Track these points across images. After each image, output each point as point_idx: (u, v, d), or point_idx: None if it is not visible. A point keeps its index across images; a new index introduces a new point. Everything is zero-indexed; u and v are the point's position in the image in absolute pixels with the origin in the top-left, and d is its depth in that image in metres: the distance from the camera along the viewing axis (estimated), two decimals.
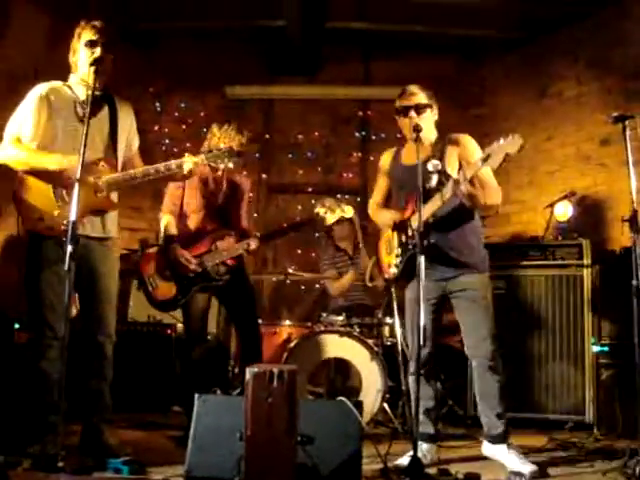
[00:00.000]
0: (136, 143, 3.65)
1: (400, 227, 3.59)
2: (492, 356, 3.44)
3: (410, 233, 3.48)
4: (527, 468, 3.23)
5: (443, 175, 3.42)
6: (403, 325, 4.20)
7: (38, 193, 3.22)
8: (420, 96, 3.57)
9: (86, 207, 3.22)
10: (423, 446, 3.47)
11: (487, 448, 3.48)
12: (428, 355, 3.49)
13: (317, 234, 5.98)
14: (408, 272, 3.49)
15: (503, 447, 3.39)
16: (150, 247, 4.34)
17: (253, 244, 4.15)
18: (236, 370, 4.91)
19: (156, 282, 4.07)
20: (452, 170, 3.50)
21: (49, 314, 3.15)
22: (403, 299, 3.81)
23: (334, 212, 4.19)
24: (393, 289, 4.58)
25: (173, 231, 4.14)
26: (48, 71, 3.59)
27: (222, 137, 4.13)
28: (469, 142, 3.59)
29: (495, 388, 3.45)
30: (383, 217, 3.78)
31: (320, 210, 4.18)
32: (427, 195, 3.34)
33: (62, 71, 3.46)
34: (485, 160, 3.16)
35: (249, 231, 4.34)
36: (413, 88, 3.60)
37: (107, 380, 3.36)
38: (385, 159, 3.82)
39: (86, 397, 3.32)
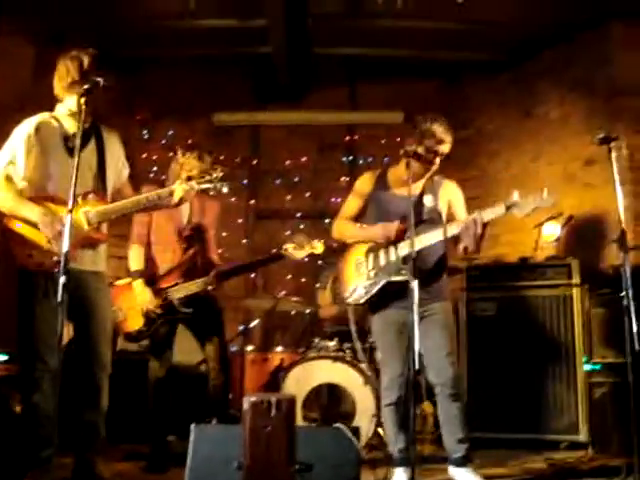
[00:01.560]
0: (125, 172, 3.65)
1: (376, 250, 3.56)
2: (453, 383, 3.46)
3: (394, 258, 3.46)
4: None
5: (435, 213, 3.52)
6: None
7: (27, 229, 3.21)
8: (449, 141, 3.53)
9: (77, 241, 3.22)
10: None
11: (450, 470, 3.50)
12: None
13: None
14: (377, 298, 3.51)
15: (462, 470, 3.43)
16: (119, 279, 4.39)
17: (210, 287, 4.18)
18: (229, 397, 4.87)
19: (124, 314, 4.15)
20: (442, 210, 3.57)
21: (41, 346, 3.12)
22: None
23: (303, 248, 4.22)
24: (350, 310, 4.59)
25: (139, 265, 4.21)
26: (34, 102, 3.59)
27: (184, 165, 4.15)
28: (458, 192, 3.69)
29: (456, 415, 3.48)
30: (361, 230, 3.66)
31: (289, 247, 4.22)
32: (419, 227, 3.35)
33: (48, 101, 3.45)
34: (509, 208, 3.20)
35: (215, 262, 4.37)
36: (449, 133, 3.51)
37: (102, 412, 3.33)
38: (366, 182, 3.74)
39: (79, 429, 3.29)
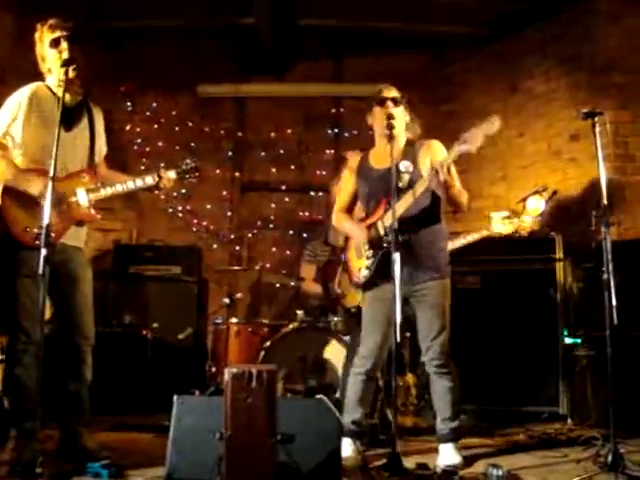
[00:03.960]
0: (104, 150, 3.64)
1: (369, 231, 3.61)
2: (442, 363, 3.49)
3: (382, 232, 3.49)
4: (455, 459, 3.33)
5: (414, 176, 3.49)
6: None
7: (24, 203, 3.18)
8: (395, 92, 3.63)
9: (72, 220, 3.28)
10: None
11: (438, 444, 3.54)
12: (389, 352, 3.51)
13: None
14: (379, 274, 3.52)
15: (446, 446, 3.45)
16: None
17: None
18: (213, 370, 4.91)
19: (344, 289, 4.24)
20: (423, 170, 3.53)
21: (24, 319, 3.13)
22: None
23: None
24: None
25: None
26: (14, 73, 3.53)
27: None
28: (440, 147, 3.63)
29: (444, 393, 3.51)
30: (348, 228, 3.77)
31: None
32: (399, 195, 3.39)
33: (28, 72, 3.42)
34: (462, 144, 3.24)
35: None
36: (388, 86, 3.65)
37: (86, 383, 3.35)
38: (354, 160, 3.80)
39: (64, 401, 3.31)
